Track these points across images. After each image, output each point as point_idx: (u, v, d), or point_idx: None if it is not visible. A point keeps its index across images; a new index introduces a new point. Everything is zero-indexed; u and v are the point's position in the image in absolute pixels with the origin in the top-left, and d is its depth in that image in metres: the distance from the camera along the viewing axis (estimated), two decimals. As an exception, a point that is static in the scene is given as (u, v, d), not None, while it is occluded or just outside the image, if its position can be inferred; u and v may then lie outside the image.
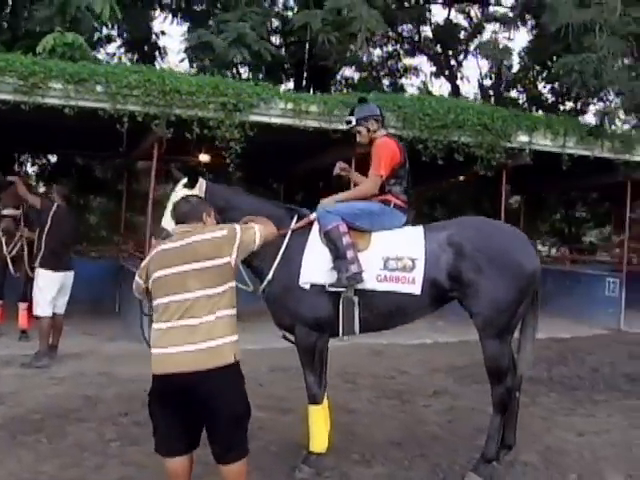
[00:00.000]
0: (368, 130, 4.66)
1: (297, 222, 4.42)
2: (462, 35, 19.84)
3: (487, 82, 20.26)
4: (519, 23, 18.14)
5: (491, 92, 19.12)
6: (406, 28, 17.89)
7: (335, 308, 4.29)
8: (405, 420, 5.73)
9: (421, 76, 19.08)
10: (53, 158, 14.15)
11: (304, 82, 14.43)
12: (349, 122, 4.75)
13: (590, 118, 14.22)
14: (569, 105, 18.73)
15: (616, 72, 10.04)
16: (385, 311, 4.36)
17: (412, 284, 4.25)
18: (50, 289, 7.21)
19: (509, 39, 16.50)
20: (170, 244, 3.32)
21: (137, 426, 5.23)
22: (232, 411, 3.19)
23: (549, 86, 19.92)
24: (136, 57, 13.26)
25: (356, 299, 4.26)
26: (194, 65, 12.10)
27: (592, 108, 18.75)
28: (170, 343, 3.13)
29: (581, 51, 9.33)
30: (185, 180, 4.21)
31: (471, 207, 15.71)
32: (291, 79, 15.28)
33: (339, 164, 4.96)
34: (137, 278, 3.44)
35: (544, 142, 10.09)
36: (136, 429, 5.16)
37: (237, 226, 3.41)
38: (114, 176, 13.44)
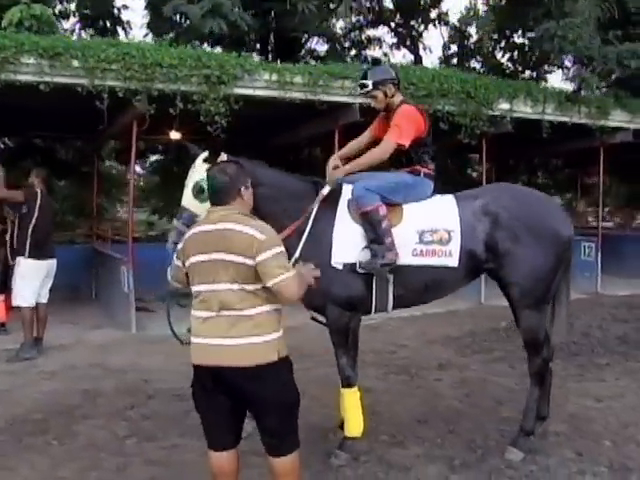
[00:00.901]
0: (385, 95, 4.36)
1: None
2: (422, 4, 19.65)
3: (448, 52, 20.25)
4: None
5: (454, 62, 19.05)
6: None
7: (368, 286, 4.07)
8: (423, 396, 5.61)
9: (384, 47, 18.77)
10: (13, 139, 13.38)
11: (270, 55, 13.98)
12: (363, 86, 4.37)
13: (557, 83, 14.13)
14: (527, 73, 18.81)
15: (590, 38, 9.99)
16: (420, 286, 4.17)
17: (449, 257, 4.07)
18: (35, 278, 6.84)
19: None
20: (205, 226, 3.00)
21: (147, 420, 4.97)
22: (281, 401, 2.97)
23: (508, 54, 20.01)
24: (97, 33, 12.60)
25: (391, 276, 4.05)
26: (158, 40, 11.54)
27: (553, 76, 18.98)
28: (210, 334, 2.89)
29: (562, 16, 9.23)
30: (205, 154, 3.89)
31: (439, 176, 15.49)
32: (254, 51, 14.81)
33: (333, 161, 4.43)
34: (176, 261, 3.15)
35: (525, 109, 10.01)
36: (148, 423, 4.89)
37: (279, 247, 2.97)
38: (78, 158, 12.84)
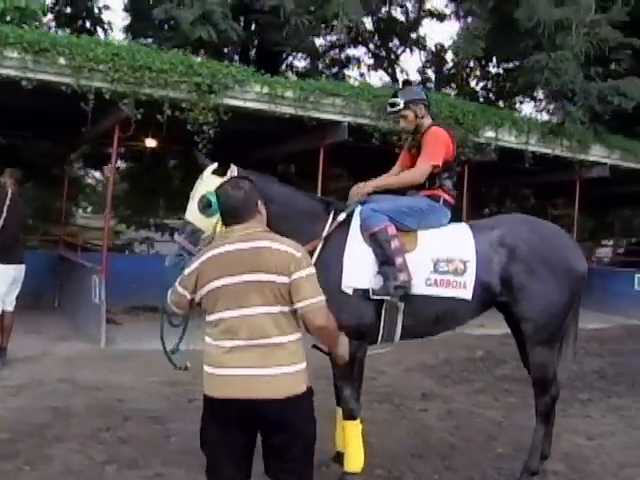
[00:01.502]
0: (416, 115, 4.22)
1: (334, 217, 3.93)
2: (399, 29, 19.85)
3: (423, 76, 20.47)
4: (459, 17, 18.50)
5: (429, 87, 19.19)
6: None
7: (378, 314, 3.87)
8: (411, 427, 5.41)
9: (362, 68, 18.81)
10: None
11: (250, 67, 13.74)
12: (394, 104, 4.24)
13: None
14: (500, 103, 19.09)
15: (574, 72, 10.10)
16: (431, 317, 3.98)
17: (463, 289, 3.90)
18: (1, 284, 6.41)
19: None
20: (227, 247, 2.71)
21: (125, 444, 4.64)
22: (306, 434, 2.72)
23: (482, 83, 20.34)
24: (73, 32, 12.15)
25: (401, 305, 3.85)
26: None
27: (525, 106, 19.32)
28: (238, 364, 2.60)
29: (554, 49, 9.29)
30: (214, 166, 3.64)
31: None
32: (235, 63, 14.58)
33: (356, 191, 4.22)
34: (179, 289, 2.82)
35: (509, 138, 10.02)
36: (126, 448, 4.56)
37: (312, 268, 2.77)
38: (48, 160, 12.32)
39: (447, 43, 21.03)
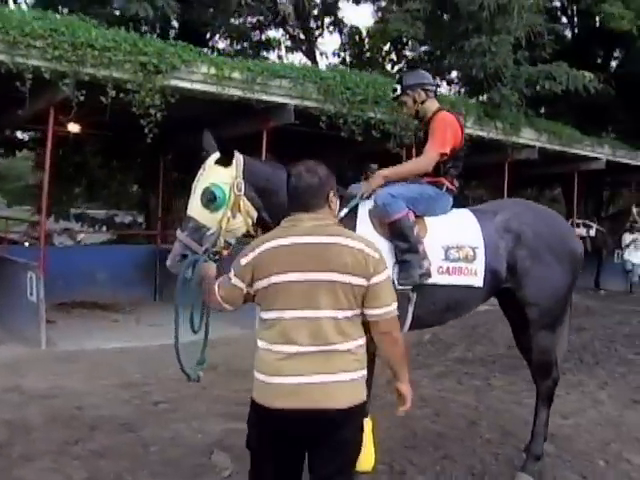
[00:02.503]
0: (415, 101, 4.06)
1: (341, 205, 3.68)
2: (317, 11, 19.67)
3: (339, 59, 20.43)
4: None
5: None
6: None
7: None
8: (393, 417, 5.19)
9: (282, 50, 18.47)
10: None
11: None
12: (394, 90, 4.14)
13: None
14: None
15: (506, 56, 10.26)
16: (442, 306, 3.84)
17: (474, 276, 3.77)
18: None
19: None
20: (294, 238, 2.43)
21: (103, 458, 4.25)
22: (356, 450, 2.53)
23: (397, 67, 20.46)
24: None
25: (413, 295, 3.67)
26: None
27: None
28: (297, 372, 2.35)
29: (494, 33, 9.37)
30: (217, 155, 3.32)
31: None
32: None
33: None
34: (234, 280, 2.50)
35: (447, 121, 10.03)
36: (106, 463, 4.16)
37: (388, 270, 2.57)
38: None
39: (363, 25, 21.34)
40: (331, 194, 2.53)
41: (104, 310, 9.68)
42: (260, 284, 2.42)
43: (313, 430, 2.39)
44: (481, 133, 10.59)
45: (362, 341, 2.46)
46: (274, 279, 2.38)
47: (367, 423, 3.78)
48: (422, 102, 4.07)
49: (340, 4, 20.31)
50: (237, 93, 7.52)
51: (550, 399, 4.24)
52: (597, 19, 12.32)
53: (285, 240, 2.42)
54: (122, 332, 8.19)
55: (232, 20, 13.10)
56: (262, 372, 2.41)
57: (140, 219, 15.23)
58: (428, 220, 3.85)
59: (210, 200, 3.24)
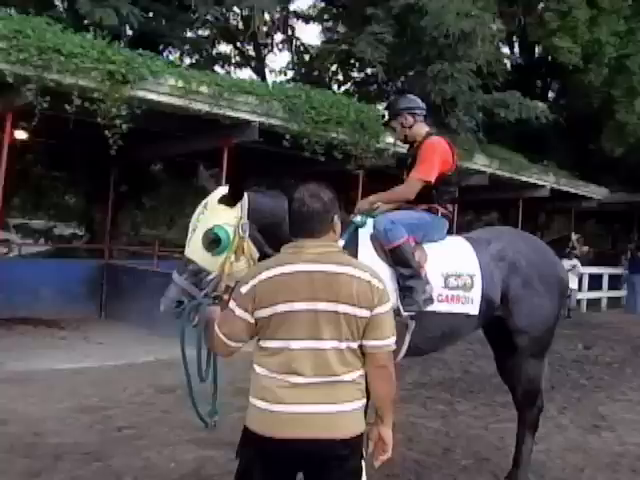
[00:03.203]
0: (403, 126, 4.03)
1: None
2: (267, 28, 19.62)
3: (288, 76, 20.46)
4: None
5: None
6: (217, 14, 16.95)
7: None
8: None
9: (230, 66, 18.31)
10: None
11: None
12: (384, 116, 4.22)
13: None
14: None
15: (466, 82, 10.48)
16: (438, 334, 3.79)
17: (471, 304, 3.76)
18: None
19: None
20: (298, 266, 2.31)
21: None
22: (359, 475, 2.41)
23: (344, 87, 20.65)
24: None
25: (412, 323, 3.60)
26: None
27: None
28: (300, 401, 2.26)
29: (455, 60, 9.54)
30: (223, 191, 3.13)
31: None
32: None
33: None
34: (237, 311, 2.33)
35: (406, 145, 10.09)
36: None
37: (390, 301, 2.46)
38: None
39: (312, 44, 21.48)
40: (335, 219, 2.43)
41: (49, 327, 9.20)
42: (262, 313, 2.29)
43: (315, 461, 2.30)
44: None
45: (362, 372, 2.37)
46: (279, 308, 2.27)
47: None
48: (410, 127, 4.05)
49: (290, 21, 20.36)
50: (204, 108, 7.34)
51: (535, 427, 4.26)
52: (543, 51, 12.75)
53: (289, 267, 2.31)
54: (72, 351, 7.80)
55: (188, 33, 12.87)
56: (263, 399, 2.29)
57: (81, 232, 14.69)
58: (427, 247, 3.81)
59: (213, 243, 3.04)
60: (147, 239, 17.54)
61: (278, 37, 20.24)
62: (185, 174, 14.05)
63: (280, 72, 20.98)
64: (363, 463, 2.41)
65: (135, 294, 9.65)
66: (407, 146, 4.23)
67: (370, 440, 2.49)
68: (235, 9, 15.63)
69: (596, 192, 15.80)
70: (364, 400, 2.38)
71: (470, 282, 3.74)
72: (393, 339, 2.39)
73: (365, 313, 2.29)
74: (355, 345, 2.32)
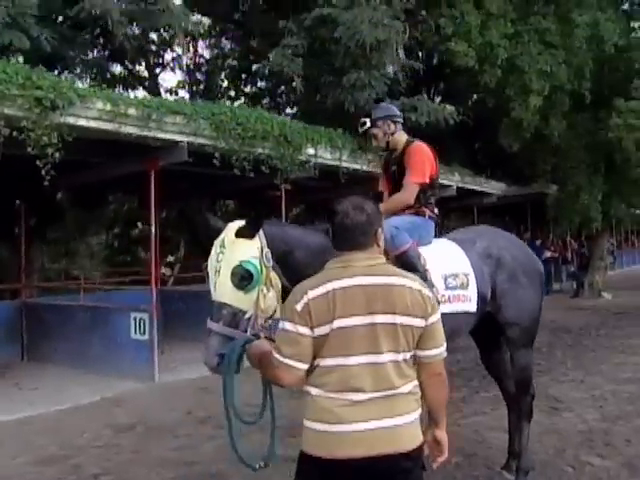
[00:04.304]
0: (385, 133, 4.10)
1: None
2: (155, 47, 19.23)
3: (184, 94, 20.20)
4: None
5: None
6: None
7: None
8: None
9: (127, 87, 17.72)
10: None
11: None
12: (363, 124, 4.15)
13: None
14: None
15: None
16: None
17: (469, 302, 3.87)
18: None
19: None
20: (347, 280, 2.26)
21: None
22: None
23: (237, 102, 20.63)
24: None
25: None
26: None
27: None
28: (361, 418, 2.21)
29: (370, 68, 9.71)
30: (237, 225, 3.00)
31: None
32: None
33: None
34: (299, 328, 2.23)
35: (326, 155, 10.22)
36: None
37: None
38: None
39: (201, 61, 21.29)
40: (379, 231, 2.40)
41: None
42: (320, 331, 2.21)
43: (381, 477, 2.24)
44: (355, 166, 10.89)
45: (417, 382, 2.36)
46: (337, 324, 2.20)
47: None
48: (392, 134, 4.14)
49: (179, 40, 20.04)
50: (134, 131, 7.05)
51: (530, 414, 4.40)
52: (440, 55, 13.28)
53: (340, 283, 2.26)
54: (9, 401, 7.23)
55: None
56: (321, 421, 2.22)
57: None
58: (422, 250, 3.86)
59: (244, 279, 2.87)
60: (50, 274, 16.70)
61: (168, 56, 19.99)
62: (92, 202, 13.49)
63: (171, 92, 20.75)
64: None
65: (61, 332, 9.13)
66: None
67: (425, 444, 2.49)
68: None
69: (495, 187, 16.66)
70: (420, 410, 2.33)
71: (466, 281, 3.84)
72: (445, 346, 2.40)
73: (420, 323, 2.28)
74: (409, 356, 2.30)
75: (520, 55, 12.89)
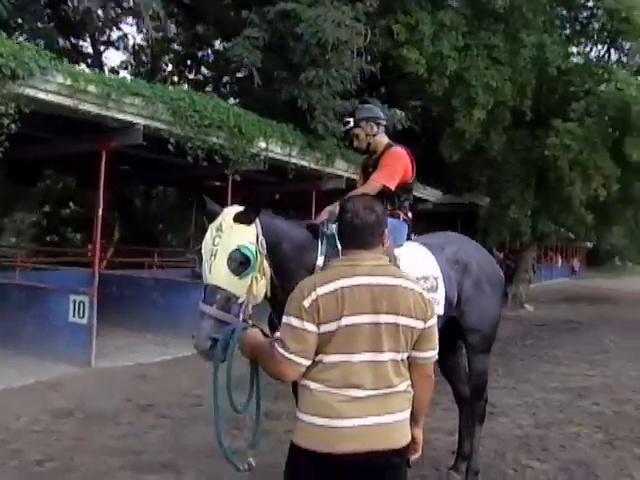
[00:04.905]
0: (367, 134, 4.15)
1: (322, 244, 3.59)
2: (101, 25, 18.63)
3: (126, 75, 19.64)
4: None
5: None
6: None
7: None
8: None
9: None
10: None
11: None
12: (346, 123, 4.21)
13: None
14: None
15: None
16: None
17: (438, 305, 3.94)
18: None
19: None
20: (356, 279, 2.31)
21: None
22: None
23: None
24: None
25: None
26: None
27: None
28: (359, 414, 2.28)
29: (327, 66, 9.74)
30: (236, 210, 3.01)
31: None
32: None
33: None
34: (306, 324, 2.26)
35: (277, 149, 10.22)
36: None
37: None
38: None
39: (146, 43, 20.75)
40: (386, 232, 2.49)
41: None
42: (328, 327, 2.26)
43: (372, 472, 2.32)
44: (304, 163, 10.94)
45: (409, 382, 2.44)
46: (344, 321, 2.26)
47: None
48: (374, 135, 4.19)
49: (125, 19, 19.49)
50: (92, 109, 6.82)
51: (483, 417, 4.56)
52: (391, 60, 13.47)
53: (349, 281, 2.31)
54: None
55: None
56: (320, 415, 2.27)
57: None
58: (395, 251, 3.94)
59: (241, 264, 2.90)
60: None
61: (114, 34, 19.42)
62: (26, 179, 12.95)
63: (113, 71, 20.18)
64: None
65: (-11, 312, 8.71)
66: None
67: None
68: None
69: (431, 194, 17.08)
70: (410, 409, 2.42)
71: (436, 284, 3.96)
72: (437, 349, 2.48)
73: (420, 325, 2.35)
74: (406, 356, 2.38)
75: (468, 68, 13.25)
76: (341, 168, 12.11)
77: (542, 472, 4.93)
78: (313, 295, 2.27)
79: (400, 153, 4.13)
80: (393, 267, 2.49)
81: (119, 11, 19.36)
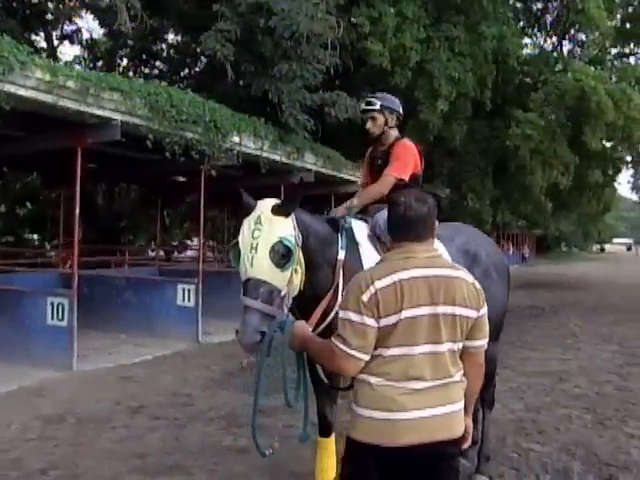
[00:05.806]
0: (386, 122, 4.15)
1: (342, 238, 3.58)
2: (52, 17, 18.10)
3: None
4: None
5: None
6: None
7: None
8: (297, 454, 4.99)
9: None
10: None
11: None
12: (370, 103, 4.15)
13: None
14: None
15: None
16: None
17: None
18: None
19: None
20: (412, 271, 2.33)
21: None
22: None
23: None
24: None
25: None
26: None
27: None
28: (421, 406, 2.31)
29: (298, 60, 9.69)
30: (273, 203, 3.02)
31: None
32: None
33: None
34: (366, 319, 2.28)
35: (249, 144, 10.13)
36: None
37: None
38: None
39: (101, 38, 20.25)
40: (436, 223, 2.51)
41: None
42: (388, 320, 2.28)
43: (431, 463, 2.36)
44: (275, 157, 10.88)
45: (463, 371, 2.48)
46: (405, 314, 2.28)
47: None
48: (390, 127, 4.21)
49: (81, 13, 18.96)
50: (71, 105, 6.61)
51: (492, 403, 4.69)
52: (355, 52, 13.52)
53: (406, 273, 2.33)
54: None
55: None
56: (381, 409, 2.30)
57: None
58: None
59: (283, 257, 2.90)
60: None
61: (68, 28, 18.85)
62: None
63: (66, 64, 19.61)
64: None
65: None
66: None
67: None
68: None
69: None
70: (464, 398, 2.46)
71: None
72: (488, 338, 2.54)
73: (474, 314, 2.41)
74: (461, 345, 2.42)
75: (431, 60, 13.45)
76: (310, 161, 12.09)
77: (544, 454, 5.06)
78: (372, 289, 2.28)
79: (410, 146, 4.17)
80: (444, 259, 2.52)
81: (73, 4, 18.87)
